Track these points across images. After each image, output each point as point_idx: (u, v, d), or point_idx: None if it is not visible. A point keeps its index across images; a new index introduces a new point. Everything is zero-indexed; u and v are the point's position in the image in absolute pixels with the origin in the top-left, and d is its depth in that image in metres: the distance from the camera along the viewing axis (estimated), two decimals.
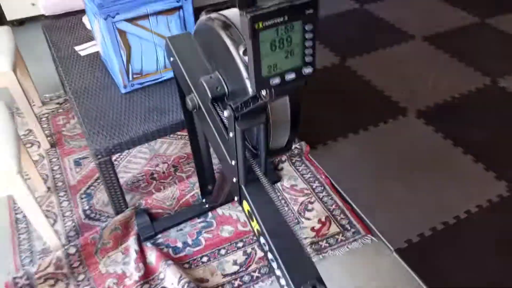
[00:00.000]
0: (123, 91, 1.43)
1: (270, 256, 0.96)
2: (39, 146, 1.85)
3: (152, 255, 1.41)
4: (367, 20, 2.64)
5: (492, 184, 1.63)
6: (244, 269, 1.40)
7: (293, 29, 0.64)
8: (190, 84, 1.04)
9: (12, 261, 1.45)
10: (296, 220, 1.52)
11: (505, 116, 1.94)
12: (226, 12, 0.88)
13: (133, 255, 1.41)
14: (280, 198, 1.58)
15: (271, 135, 0.95)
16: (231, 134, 0.90)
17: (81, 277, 1.39)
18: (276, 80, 0.67)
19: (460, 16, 2.62)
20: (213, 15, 0.89)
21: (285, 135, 0.98)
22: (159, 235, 1.49)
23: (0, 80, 1.62)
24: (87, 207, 1.60)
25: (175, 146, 1.82)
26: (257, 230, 0.99)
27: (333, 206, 1.56)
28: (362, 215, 1.53)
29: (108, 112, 1.37)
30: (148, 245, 1.45)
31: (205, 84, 0.95)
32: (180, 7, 1.35)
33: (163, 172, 1.72)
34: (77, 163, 1.78)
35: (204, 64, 1.02)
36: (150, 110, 1.37)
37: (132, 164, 1.76)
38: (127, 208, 1.51)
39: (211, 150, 1.32)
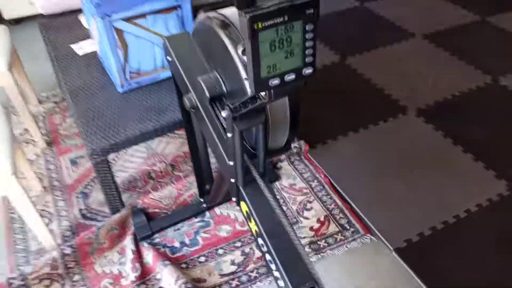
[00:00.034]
0: (120, 90, 1.41)
1: (268, 257, 0.95)
2: (35, 145, 1.83)
3: (149, 255, 1.40)
4: (367, 18, 2.63)
5: (492, 183, 1.62)
6: (242, 269, 1.38)
7: (293, 29, 0.62)
8: (188, 84, 1.02)
9: (7, 262, 1.43)
10: (295, 220, 1.51)
11: (506, 115, 1.93)
12: (224, 11, 0.87)
13: (129, 255, 1.39)
14: (278, 198, 1.57)
15: (270, 135, 0.94)
16: (229, 135, 0.88)
17: (76, 277, 1.37)
18: (275, 81, 0.65)
19: (461, 14, 2.61)
20: (212, 14, 0.88)
21: (284, 135, 0.97)
22: (156, 235, 1.48)
23: None
24: (83, 207, 1.59)
25: (173, 145, 1.80)
26: (255, 231, 0.98)
27: (332, 206, 1.55)
28: (361, 214, 1.52)
29: (105, 112, 1.35)
30: (145, 245, 1.43)
31: (203, 84, 0.94)
32: (179, 6, 1.33)
33: (161, 171, 1.70)
34: (73, 162, 1.76)
35: (202, 63, 1.01)
36: (148, 109, 1.35)
37: (129, 163, 1.74)
38: (124, 207, 1.49)
39: (209, 149, 1.31)
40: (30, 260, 1.43)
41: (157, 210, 1.54)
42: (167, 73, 1.43)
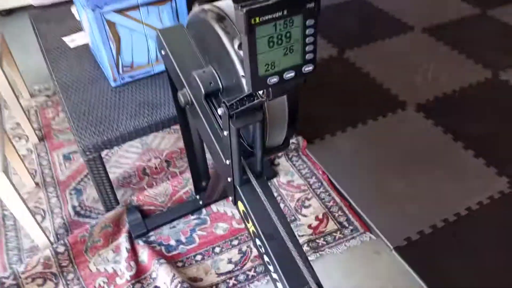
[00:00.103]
0: (113, 84, 1.37)
1: (266, 258, 0.93)
2: (27, 140, 1.79)
3: (144, 253, 1.37)
4: (366, 11, 2.59)
5: (493, 180, 1.60)
6: (239, 268, 1.36)
7: (293, 24, 0.59)
8: (183, 79, 0.99)
9: None
10: (293, 217, 1.48)
11: (506, 110, 1.90)
12: (220, 3, 0.83)
13: (124, 253, 1.37)
14: (276, 195, 1.54)
15: (268, 133, 0.91)
16: (225, 133, 0.85)
17: (70, 276, 1.34)
18: (274, 79, 0.62)
19: (461, 7, 2.57)
20: (207, 6, 0.84)
21: (282, 133, 0.94)
22: (151, 233, 1.45)
23: None
24: (76, 204, 1.55)
25: (168, 141, 1.77)
26: (253, 231, 0.95)
27: (331, 203, 1.52)
28: (360, 212, 1.49)
29: (97, 107, 1.31)
30: (140, 243, 1.41)
31: (198, 79, 0.90)
32: None
33: (156, 168, 1.67)
34: (67, 157, 1.72)
35: (197, 58, 0.97)
36: (141, 104, 1.32)
37: (123, 158, 1.71)
38: (118, 204, 1.46)
39: (205, 145, 1.28)
40: (23, 259, 1.40)
41: (152, 207, 1.51)
42: (162, 67, 1.39)
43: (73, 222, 1.50)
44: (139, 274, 1.34)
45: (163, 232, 1.45)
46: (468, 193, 1.55)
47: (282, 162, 1.66)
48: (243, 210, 0.97)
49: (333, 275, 1.34)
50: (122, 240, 1.40)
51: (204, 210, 1.51)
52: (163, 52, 1.03)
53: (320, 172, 1.62)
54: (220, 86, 0.90)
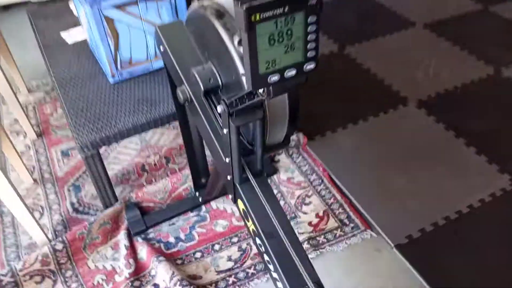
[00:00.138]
0: (111, 80, 1.36)
1: (266, 258, 0.92)
2: (25, 136, 1.78)
3: (143, 251, 1.36)
4: (367, 6, 2.56)
5: (495, 177, 1.58)
6: (239, 265, 1.35)
7: (294, 21, 0.57)
8: (181, 75, 0.97)
9: None
10: (293, 215, 1.47)
11: (509, 107, 1.88)
12: None
13: (123, 250, 1.36)
14: (276, 192, 1.53)
15: (268, 131, 0.90)
16: (225, 131, 0.84)
17: (68, 273, 1.34)
18: (274, 77, 0.60)
19: (463, 3, 2.54)
20: (206, 2, 0.83)
21: (282, 130, 0.93)
22: (150, 230, 1.44)
23: None
24: (75, 200, 1.54)
25: (167, 137, 1.75)
26: (253, 230, 0.94)
27: (331, 200, 1.51)
28: (361, 209, 1.48)
29: (95, 103, 1.30)
30: (138, 240, 1.40)
31: (197, 76, 0.89)
32: None
33: (155, 164, 1.66)
34: (65, 153, 1.71)
35: (196, 54, 0.96)
36: (140, 101, 1.30)
37: (122, 155, 1.69)
38: (117, 201, 1.45)
39: (205, 143, 1.26)
40: (21, 255, 1.39)
41: (151, 204, 1.50)
42: (160, 63, 1.38)
43: (72, 219, 1.49)
44: (138, 271, 1.33)
45: (162, 229, 1.44)
46: (470, 190, 1.54)
47: (282, 158, 1.64)
48: (243, 209, 0.95)
49: (334, 273, 1.33)
50: (121, 237, 1.39)
51: (203, 207, 1.50)
52: (161, 49, 1.02)
53: (321, 169, 1.60)
54: (220, 83, 0.89)
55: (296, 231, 1.38)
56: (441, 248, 1.38)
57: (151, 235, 1.43)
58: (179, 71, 0.97)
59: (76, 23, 1.59)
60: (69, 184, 1.60)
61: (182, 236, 1.43)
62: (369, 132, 1.78)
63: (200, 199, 1.49)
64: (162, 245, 1.40)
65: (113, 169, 1.63)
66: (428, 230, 1.42)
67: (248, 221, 0.94)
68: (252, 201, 0.91)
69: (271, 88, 0.62)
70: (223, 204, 1.51)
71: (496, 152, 1.67)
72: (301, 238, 1.38)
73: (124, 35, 1.27)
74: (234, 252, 1.38)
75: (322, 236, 1.41)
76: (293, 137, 1.67)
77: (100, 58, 1.36)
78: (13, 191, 1.24)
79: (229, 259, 1.36)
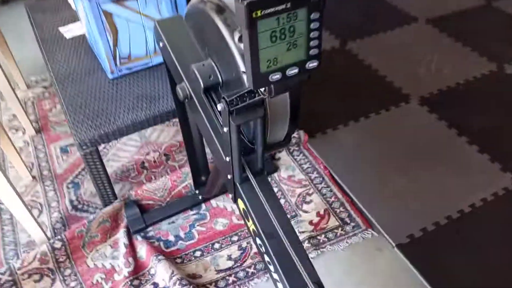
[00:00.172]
0: (110, 76, 1.34)
1: (266, 258, 0.90)
2: (23, 132, 1.76)
3: (142, 249, 1.35)
4: (369, 2, 2.54)
5: (497, 176, 1.57)
6: (239, 264, 1.34)
7: (297, 18, 0.55)
8: (181, 72, 0.95)
9: None
10: (294, 213, 1.46)
11: (511, 104, 1.86)
12: None
13: (122, 249, 1.34)
14: (276, 190, 1.51)
15: (269, 129, 0.88)
16: (225, 129, 0.82)
17: (67, 272, 1.32)
18: (276, 76, 0.58)
19: None
20: None
21: (284, 128, 0.91)
22: (150, 228, 1.43)
23: None
24: (74, 198, 1.53)
25: (167, 133, 1.74)
26: (253, 230, 0.93)
27: (332, 198, 1.50)
28: (363, 208, 1.47)
29: (94, 99, 1.28)
30: (138, 239, 1.38)
31: (197, 72, 0.87)
32: None
33: (154, 161, 1.64)
34: (64, 150, 1.70)
35: (196, 50, 0.94)
36: (139, 97, 1.28)
37: (121, 152, 1.68)
38: (116, 199, 1.44)
39: (205, 141, 1.25)
40: (20, 254, 1.38)
41: (151, 202, 1.49)
42: (160, 59, 1.36)
43: (71, 217, 1.47)
44: (138, 270, 1.32)
45: (162, 228, 1.43)
46: (472, 189, 1.52)
47: (283, 156, 1.63)
48: (243, 208, 0.94)
49: (334, 272, 1.32)
50: (120, 236, 1.38)
51: (203, 205, 1.49)
52: (161, 44, 1.00)
53: (322, 167, 1.59)
54: (220, 80, 0.87)
55: (296, 230, 1.37)
56: (442, 248, 1.36)
57: (150, 234, 1.41)
58: (178, 68, 0.95)
59: (74, 17, 1.57)
60: (68, 181, 1.58)
61: (181, 234, 1.41)
62: (371, 130, 1.76)
63: (200, 197, 1.48)
64: (161, 243, 1.39)
65: (112, 166, 1.62)
66: (430, 230, 1.40)
67: (249, 221, 0.93)
68: (253, 201, 0.90)
69: (272, 87, 0.60)
70: (223, 202, 1.49)
71: (498, 150, 1.65)
72: (301, 237, 1.36)
73: (123, 30, 1.25)
74: (234, 251, 1.37)
75: (323, 235, 1.40)
76: (294, 134, 1.65)
77: (99, 53, 1.34)
78: (11, 188, 1.22)
79: (229, 258, 1.35)
